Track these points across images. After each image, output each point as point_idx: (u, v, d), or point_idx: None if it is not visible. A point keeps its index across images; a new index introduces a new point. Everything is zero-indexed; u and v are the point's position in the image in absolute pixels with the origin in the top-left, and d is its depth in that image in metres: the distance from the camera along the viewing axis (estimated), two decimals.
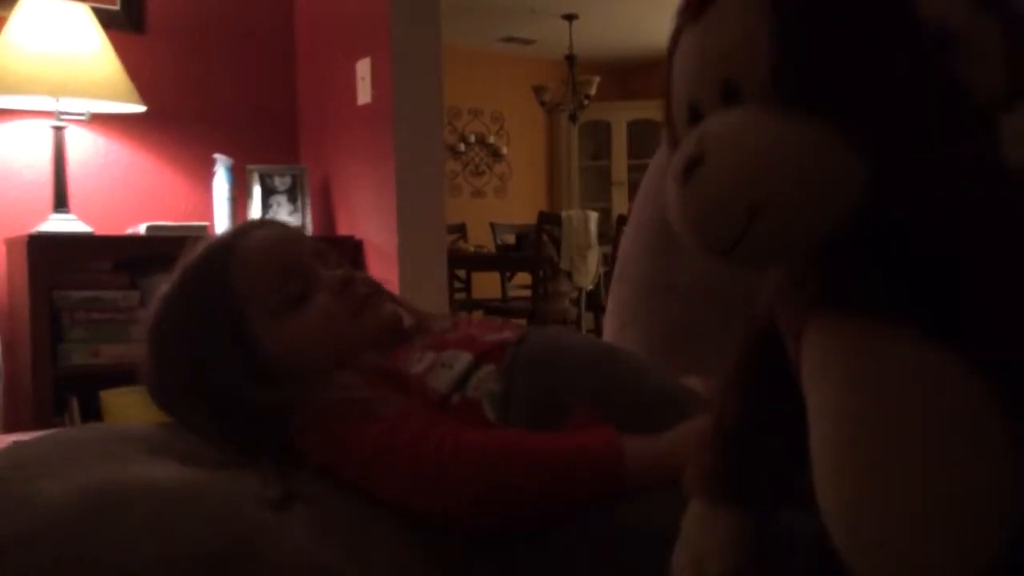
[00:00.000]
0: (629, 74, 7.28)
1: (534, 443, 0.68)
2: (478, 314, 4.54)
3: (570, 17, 5.93)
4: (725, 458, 0.53)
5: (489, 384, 0.74)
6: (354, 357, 0.86)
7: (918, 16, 0.41)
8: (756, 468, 0.52)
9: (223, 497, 0.64)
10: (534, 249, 4.33)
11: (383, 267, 2.35)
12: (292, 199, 2.50)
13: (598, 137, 7.10)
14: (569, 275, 4.45)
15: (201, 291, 0.89)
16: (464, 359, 0.79)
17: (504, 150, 6.92)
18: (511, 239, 5.04)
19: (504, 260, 4.78)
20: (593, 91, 5.98)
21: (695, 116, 0.47)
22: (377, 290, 0.95)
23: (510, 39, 6.51)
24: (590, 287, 4.55)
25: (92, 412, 2.08)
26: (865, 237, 0.43)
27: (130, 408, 1.93)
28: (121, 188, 2.47)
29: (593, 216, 4.56)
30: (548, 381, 0.74)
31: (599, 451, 0.67)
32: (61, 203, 2.21)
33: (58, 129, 2.23)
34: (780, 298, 0.49)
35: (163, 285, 0.94)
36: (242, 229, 0.95)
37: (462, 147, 6.70)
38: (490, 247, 5.35)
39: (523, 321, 3.75)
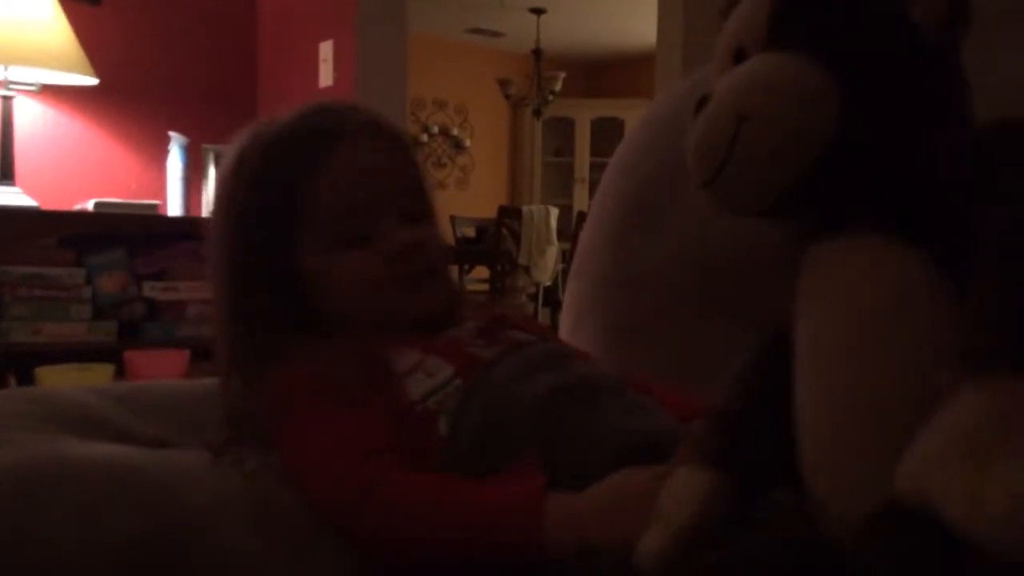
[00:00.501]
0: (595, 71, 7.30)
1: (456, 495, 0.64)
2: None
3: (538, 11, 5.93)
4: (719, 431, 0.54)
5: (450, 402, 0.72)
6: (379, 330, 0.78)
7: None
8: (749, 443, 0.53)
9: (157, 480, 0.62)
10: (493, 243, 4.32)
11: None
12: None
13: (562, 133, 7.11)
14: (527, 270, 4.45)
15: (268, 184, 0.79)
16: (446, 371, 0.74)
17: (467, 142, 6.90)
18: (471, 232, 5.03)
19: (462, 253, 4.77)
20: (558, 87, 5.98)
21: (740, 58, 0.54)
22: (435, 271, 0.83)
23: (477, 30, 6.48)
24: (548, 283, 4.55)
25: None
26: (844, 166, 0.48)
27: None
28: (70, 162, 2.40)
29: (554, 212, 4.57)
30: (497, 415, 0.70)
31: (516, 512, 0.62)
32: (6, 175, 2.15)
33: (6, 99, 2.16)
34: (784, 266, 0.53)
35: (237, 149, 0.83)
36: (344, 128, 0.80)
37: (425, 138, 6.66)
38: (449, 240, 5.33)
39: None
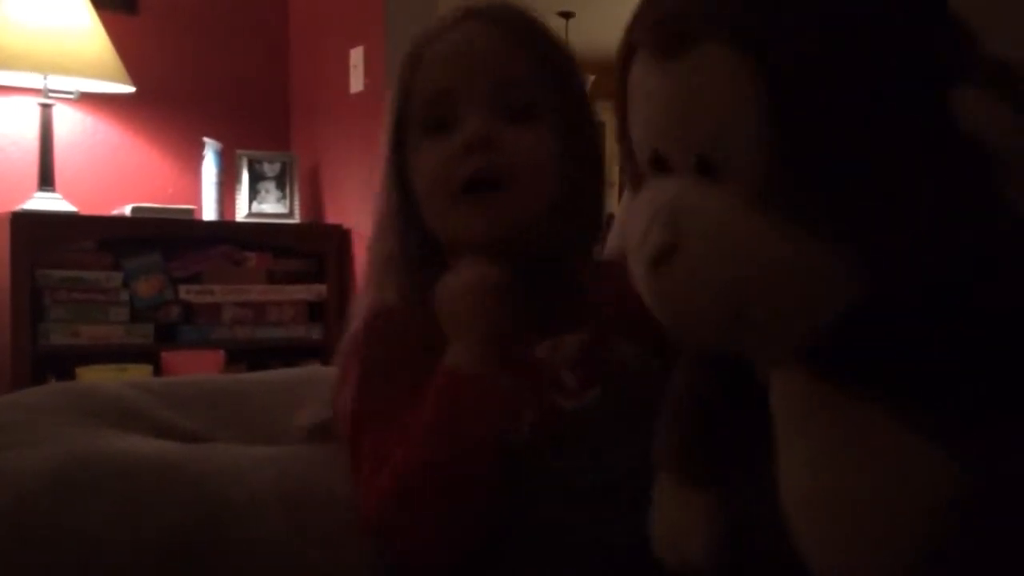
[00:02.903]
0: None
1: (411, 452, 0.62)
2: None
3: (567, 15, 5.93)
4: (689, 436, 0.53)
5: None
6: (456, 258, 0.67)
7: (953, 123, 0.35)
8: (718, 448, 0.52)
9: (195, 476, 0.64)
10: None
11: None
12: (281, 186, 2.49)
13: None
14: None
15: (396, 85, 0.72)
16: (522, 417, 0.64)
17: None
18: None
19: None
20: (588, 90, 5.97)
21: (661, 165, 0.43)
22: (513, 184, 0.65)
23: None
24: None
25: None
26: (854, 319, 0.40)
27: None
28: (108, 168, 2.45)
29: None
30: (534, 520, 0.62)
31: (448, 381, 0.62)
32: (46, 181, 2.19)
33: (45, 107, 2.21)
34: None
35: None
36: (455, 17, 0.72)
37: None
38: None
39: None
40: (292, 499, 0.65)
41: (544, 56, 0.70)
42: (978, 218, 0.37)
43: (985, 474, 0.36)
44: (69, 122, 2.37)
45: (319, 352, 2.32)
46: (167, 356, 2.17)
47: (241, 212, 2.45)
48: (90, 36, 2.18)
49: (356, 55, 2.36)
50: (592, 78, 6.10)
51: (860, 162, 0.36)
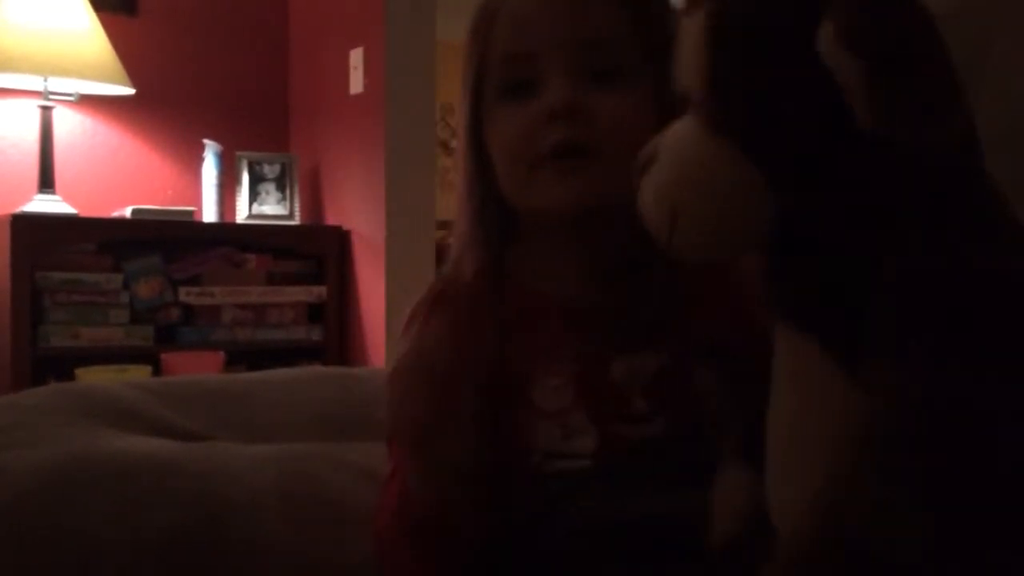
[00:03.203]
0: None
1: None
2: None
3: None
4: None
5: (564, 483, 0.60)
6: (535, 236, 0.63)
7: (817, 58, 0.45)
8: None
9: (195, 475, 0.64)
10: None
11: (370, 259, 2.33)
12: (281, 187, 2.49)
13: None
14: None
15: (471, 40, 0.66)
16: (584, 443, 0.59)
17: None
18: None
19: None
20: None
21: None
22: (602, 153, 0.60)
23: None
24: None
25: None
26: (787, 256, 0.48)
27: None
28: (107, 170, 2.45)
29: None
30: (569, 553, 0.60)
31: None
32: (46, 184, 2.19)
33: (45, 109, 2.21)
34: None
35: None
36: None
37: (454, 143, 6.68)
38: None
39: None
40: (292, 498, 0.65)
41: (639, 11, 0.63)
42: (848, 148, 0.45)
43: (886, 404, 0.41)
44: (69, 124, 2.37)
45: (319, 353, 2.32)
46: (167, 357, 2.17)
47: (241, 214, 2.45)
48: (90, 38, 2.18)
49: (356, 56, 2.36)
50: None
51: (764, 93, 0.46)
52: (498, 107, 0.63)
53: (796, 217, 0.46)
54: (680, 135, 0.49)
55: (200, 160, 2.41)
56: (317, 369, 0.97)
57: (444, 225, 5.51)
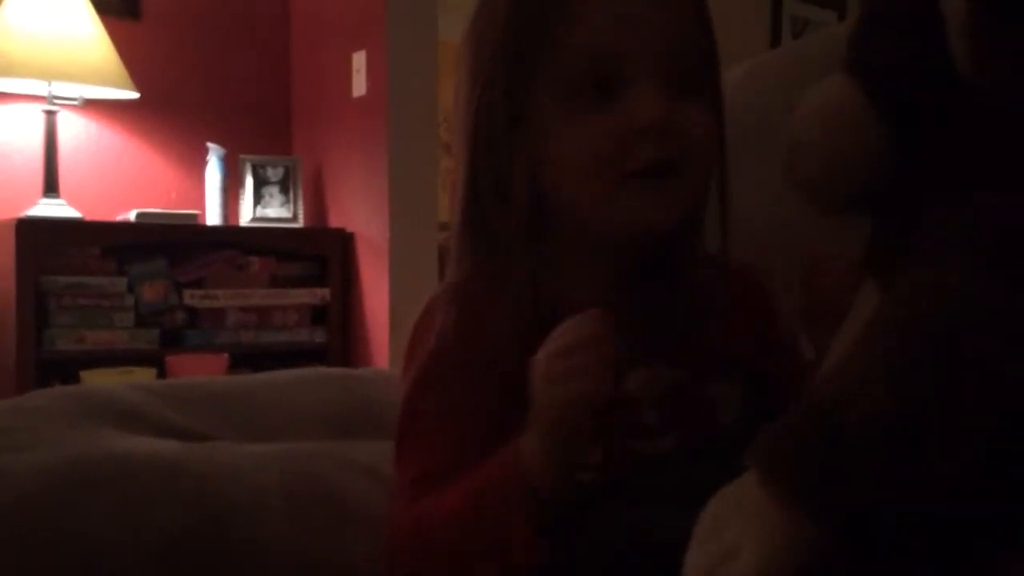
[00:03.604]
0: None
1: (445, 504, 0.56)
2: None
3: None
4: None
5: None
6: (588, 248, 0.60)
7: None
8: None
9: (197, 475, 0.64)
10: None
11: (374, 261, 2.34)
12: (284, 190, 2.49)
13: None
14: None
15: (519, 15, 0.60)
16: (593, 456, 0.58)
17: None
18: None
19: None
20: None
21: None
22: (688, 171, 0.58)
23: None
24: None
25: None
26: (891, 210, 0.51)
27: None
28: (112, 174, 2.46)
29: None
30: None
31: (502, 477, 0.54)
32: (51, 188, 2.20)
33: (50, 113, 2.21)
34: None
35: None
36: None
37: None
38: None
39: None
40: (295, 496, 0.64)
41: (707, 22, 0.61)
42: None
43: (898, 293, 0.44)
44: (73, 128, 2.38)
45: (323, 356, 2.32)
46: (171, 360, 2.18)
47: (245, 217, 2.46)
48: (94, 43, 2.19)
49: (358, 59, 2.37)
50: None
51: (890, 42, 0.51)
52: (567, 110, 0.58)
53: (903, 169, 0.49)
54: (824, 82, 0.52)
55: (204, 163, 2.41)
56: (319, 370, 0.97)
57: (447, 227, 5.57)
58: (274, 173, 2.49)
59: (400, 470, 0.63)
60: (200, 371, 2.12)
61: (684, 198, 0.59)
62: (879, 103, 0.49)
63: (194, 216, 2.34)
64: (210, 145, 2.40)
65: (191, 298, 2.25)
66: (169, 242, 2.26)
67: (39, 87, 2.20)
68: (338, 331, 2.37)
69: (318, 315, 2.38)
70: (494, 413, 0.59)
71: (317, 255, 2.40)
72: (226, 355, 2.23)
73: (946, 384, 0.40)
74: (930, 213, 0.45)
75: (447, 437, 0.60)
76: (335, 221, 2.49)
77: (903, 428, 0.40)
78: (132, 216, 2.24)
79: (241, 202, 2.45)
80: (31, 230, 2.07)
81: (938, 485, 0.41)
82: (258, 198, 2.47)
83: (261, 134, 2.62)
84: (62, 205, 2.21)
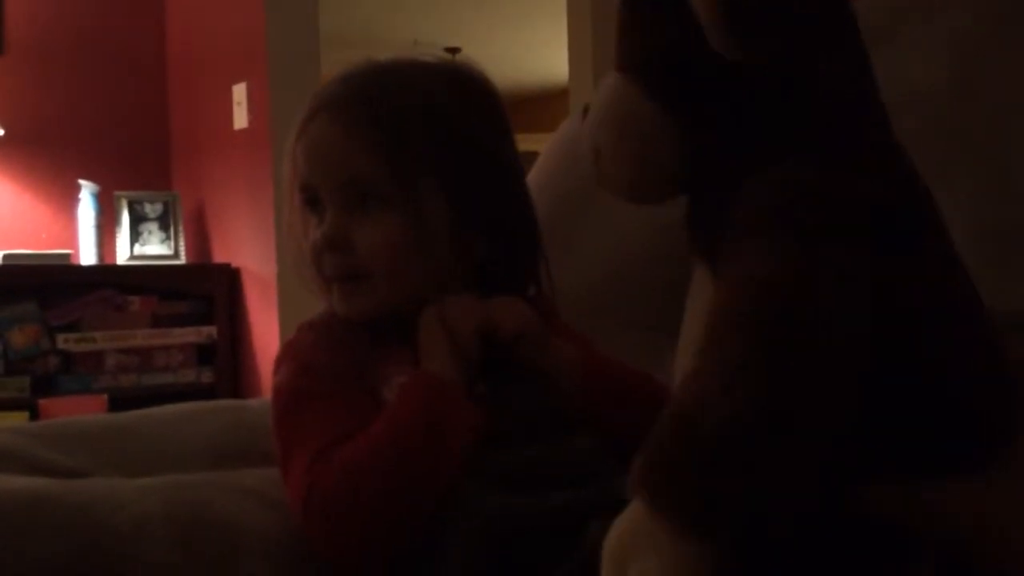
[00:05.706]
0: (512, 107, 7.32)
1: (365, 439, 0.64)
2: None
3: (453, 50, 6.00)
4: None
5: None
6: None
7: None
8: None
9: (73, 505, 0.61)
10: None
11: (262, 296, 2.29)
12: (164, 227, 2.42)
13: None
14: None
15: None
16: None
17: None
18: None
19: None
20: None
21: None
22: (368, 276, 0.71)
23: None
24: None
25: None
26: (703, 191, 0.55)
27: None
28: None
29: None
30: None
31: (413, 384, 0.67)
32: None
33: None
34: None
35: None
36: (325, 98, 0.74)
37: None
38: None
39: None
40: (181, 522, 0.62)
41: (392, 152, 0.71)
42: None
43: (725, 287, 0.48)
44: None
45: (211, 395, 2.24)
46: (45, 404, 2.07)
47: (122, 255, 2.37)
48: None
49: (239, 91, 2.33)
50: None
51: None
52: (305, 213, 0.74)
53: (700, 154, 0.51)
54: (604, 83, 0.55)
55: (76, 201, 2.32)
56: (211, 403, 0.95)
57: None
58: (152, 209, 2.41)
59: (297, 454, 0.66)
60: (77, 413, 2.02)
61: (373, 298, 0.72)
62: (657, 94, 0.52)
63: (66, 256, 2.24)
64: (82, 182, 2.31)
65: (65, 342, 2.14)
66: (40, 284, 2.15)
67: None
68: (227, 369, 2.30)
69: (205, 354, 2.31)
70: (368, 402, 0.69)
71: (202, 293, 2.34)
72: (105, 396, 2.13)
73: (786, 371, 0.42)
74: (740, 190, 0.49)
75: (338, 411, 0.67)
76: (220, 257, 2.43)
77: (759, 420, 0.41)
78: None
79: (117, 240, 2.36)
80: None
81: (807, 467, 0.43)
82: (136, 236, 2.38)
83: (138, 170, 2.54)
84: None
